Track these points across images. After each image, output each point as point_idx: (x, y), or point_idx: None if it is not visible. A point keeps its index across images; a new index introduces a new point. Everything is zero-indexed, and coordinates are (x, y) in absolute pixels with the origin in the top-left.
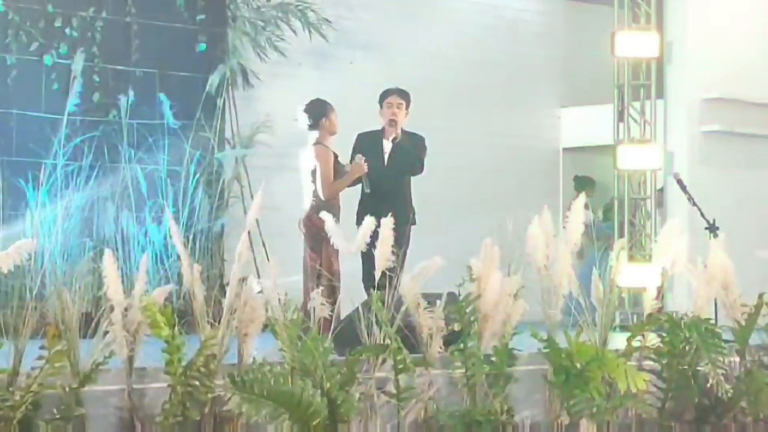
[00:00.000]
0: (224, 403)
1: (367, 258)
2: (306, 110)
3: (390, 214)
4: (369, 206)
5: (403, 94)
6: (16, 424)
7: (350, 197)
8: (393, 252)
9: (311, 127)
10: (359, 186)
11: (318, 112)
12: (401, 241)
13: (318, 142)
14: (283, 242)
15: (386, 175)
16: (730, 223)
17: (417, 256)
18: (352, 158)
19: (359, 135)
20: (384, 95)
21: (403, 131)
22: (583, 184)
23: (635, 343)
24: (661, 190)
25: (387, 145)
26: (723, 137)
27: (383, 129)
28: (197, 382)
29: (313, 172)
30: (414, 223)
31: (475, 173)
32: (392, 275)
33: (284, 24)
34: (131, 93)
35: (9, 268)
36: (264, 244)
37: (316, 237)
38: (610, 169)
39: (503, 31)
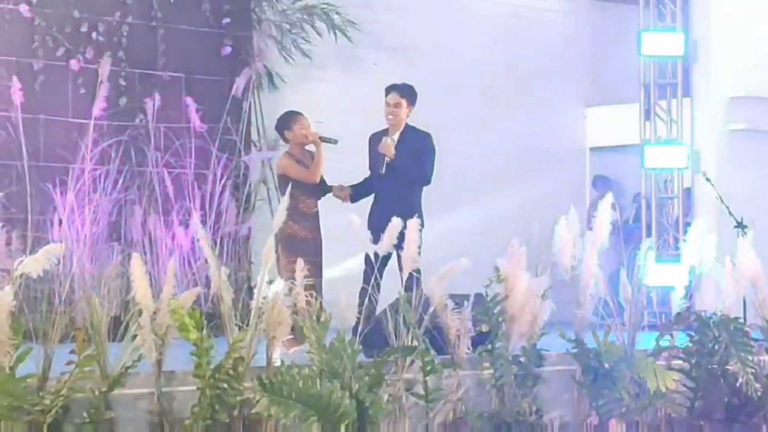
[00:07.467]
0: (253, 405)
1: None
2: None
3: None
4: (376, 210)
5: (403, 91)
6: (47, 427)
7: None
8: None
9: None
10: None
11: (282, 125)
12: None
13: (286, 153)
14: None
15: (389, 179)
16: (758, 221)
17: (443, 258)
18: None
19: (371, 136)
20: (385, 92)
21: (409, 129)
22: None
23: (664, 343)
24: (689, 189)
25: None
26: (750, 135)
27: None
28: (226, 385)
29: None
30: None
31: (501, 174)
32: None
33: (309, 26)
34: (157, 97)
35: (38, 273)
36: None
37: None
38: (637, 169)
39: (528, 32)
